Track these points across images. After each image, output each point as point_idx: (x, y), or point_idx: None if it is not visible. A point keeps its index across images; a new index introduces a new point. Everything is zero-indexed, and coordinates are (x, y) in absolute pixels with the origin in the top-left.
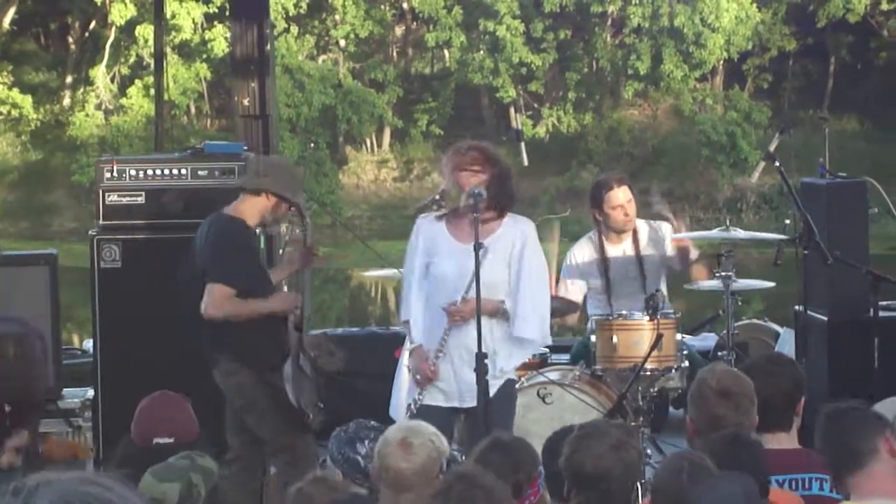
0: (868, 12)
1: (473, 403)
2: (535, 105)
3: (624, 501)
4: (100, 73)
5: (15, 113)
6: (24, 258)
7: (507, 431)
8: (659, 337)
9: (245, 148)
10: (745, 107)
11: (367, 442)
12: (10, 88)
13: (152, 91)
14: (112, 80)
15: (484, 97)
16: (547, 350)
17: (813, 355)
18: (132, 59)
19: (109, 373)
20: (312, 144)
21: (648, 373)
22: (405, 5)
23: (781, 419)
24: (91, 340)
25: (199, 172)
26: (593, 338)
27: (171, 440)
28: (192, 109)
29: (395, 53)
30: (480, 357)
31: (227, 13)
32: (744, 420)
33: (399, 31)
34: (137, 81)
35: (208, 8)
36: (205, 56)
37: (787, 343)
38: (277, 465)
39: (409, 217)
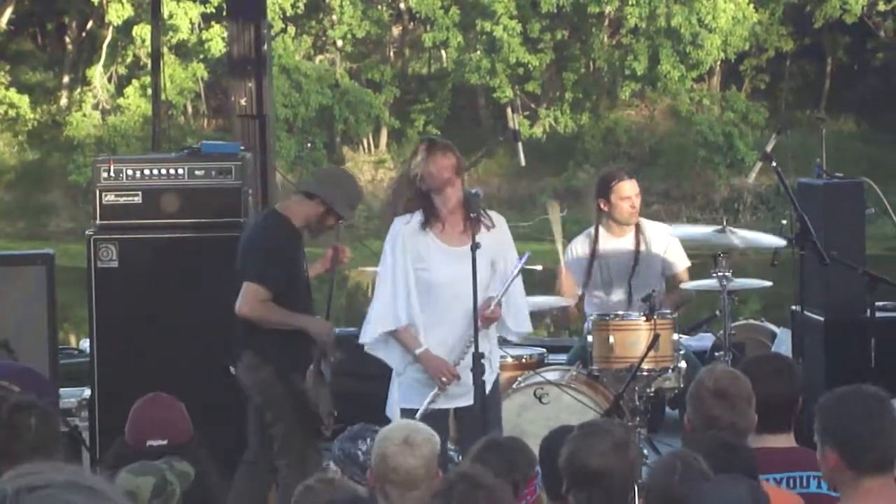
0: (865, 13)
1: (466, 403)
2: (532, 105)
3: (624, 500)
4: (97, 72)
5: (12, 113)
6: (21, 258)
7: (500, 428)
8: (656, 337)
9: (242, 148)
10: (742, 107)
11: (368, 440)
12: (6, 88)
13: (149, 91)
14: (109, 80)
15: (481, 97)
16: (544, 350)
17: (809, 355)
18: (129, 59)
19: (106, 372)
20: (309, 144)
21: (645, 373)
22: (402, 6)
23: (781, 420)
24: (88, 340)
25: (196, 172)
26: (590, 338)
27: (165, 442)
28: (189, 109)
29: (392, 54)
30: (477, 357)
31: (224, 13)
32: (739, 421)
33: (396, 31)
34: (134, 81)
35: (205, 8)
36: (202, 56)
37: (783, 343)
38: (281, 465)
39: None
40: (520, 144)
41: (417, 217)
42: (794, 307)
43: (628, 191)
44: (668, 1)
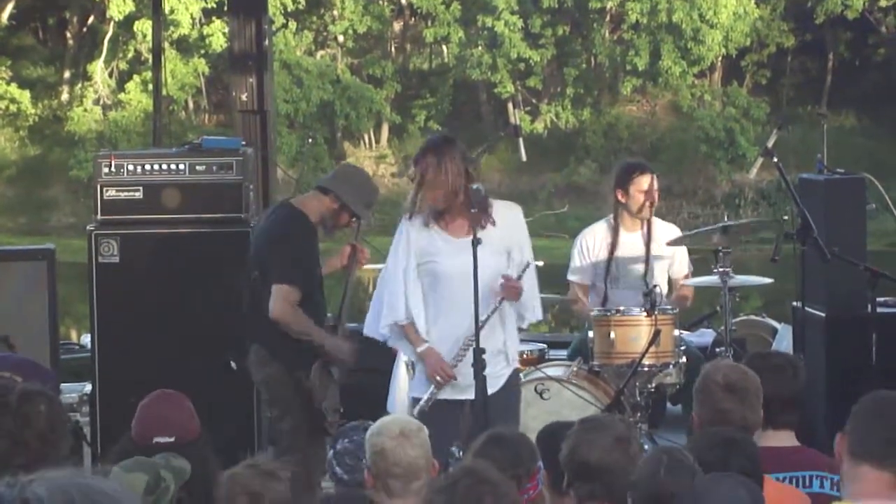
0: (866, 8)
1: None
2: (534, 101)
3: (625, 495)
4: (98, 68)
5: (13, 108)
6: (22, 253)
7: (517, 421)
8: (657, 333)
9: (243, 143)
10: (743, 103)
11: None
12: (8, 83)
13: (150, 86)
14: (110, 76)
15: (482, 93)
16: (545, 346)
17: (811, 352)
18: (130, 55)
19: (107, 368)
20: (310, 140)
21: (646, 368)
22: (403, 1)
23: (786, 417)
24: (89, 335)
25: (197, 167)
26: (591, 333)
27: (172, 439)
28: (191, 105)
29: (393, 49)
30: (478, 352)
31: (226, 8)
32: (749, 415)
33: (397, 26)
34: (135, 76)
35: (206, 3)
36: (203, 51)
37: (784, 339)
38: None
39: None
40: (521, 140)
41: (423, 214)
42: (795, 303)
43: (647, 185)
44: None
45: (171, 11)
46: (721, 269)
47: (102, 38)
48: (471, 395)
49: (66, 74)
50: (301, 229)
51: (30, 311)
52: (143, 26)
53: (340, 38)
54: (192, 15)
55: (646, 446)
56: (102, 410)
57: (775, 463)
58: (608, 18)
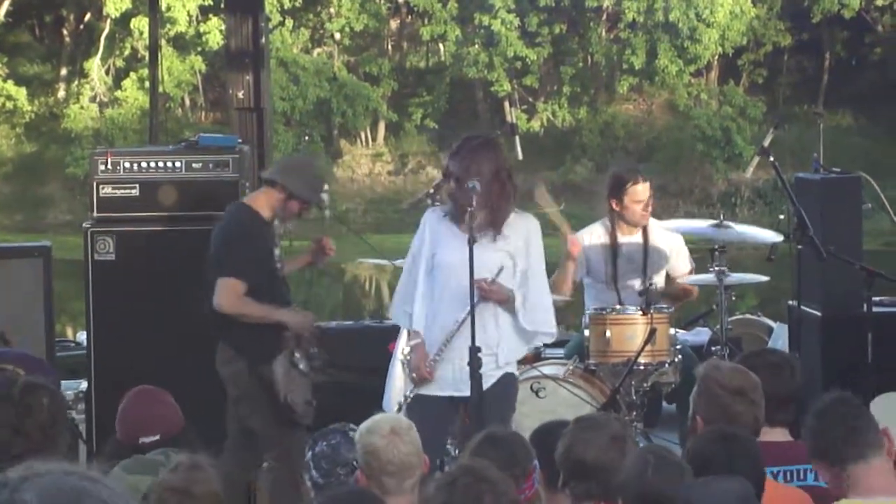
0: (863, 8)
1: (463, 394)
2: (530, 99)
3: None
4: (94, 65)
5: (9, 105)
6: (18, 250)
7: (504, 425)
8: (652, 331)
9: (240, 141)
10: (739, 102)
11: (339, 436)
12: (4, 80)
13: (147, 83)
14: (107, 73)
15: (479, 91)
16: (541, 344)
17: (806, 350)
18: (127, 52)
19: (103, 365)
20: (307, 137)
21: (642, 367)
22: None
23: (781, 416)
24: (85, 332)
25: (194, 165)
26: (587, 332)
27: (157, 437)
28: (187, 102)
29: (389, 47)
30: (474, 351)
31: (222, 6)
32: (759, 414)
33: (394, 24)
34: (132, 74)
35: (203, 0)
36: (200, 49)
37: (780, 338)
38: (268, 458)
39: (403, 210)
40: (517, 138)
41: (446, 207)
42: (790, 302)
43: (642, 195)
44: None
45: (168, 9)
46: (717, 268)
47: (99, 36)
48: (452, 392)
49: (63, 71)
50: (249, 225)
51: (26, 308)
52: (140, 23)
53: (337, 36)
54: (188, 12)
55: (641, 445)
56: (98, 407)
57: (770, 457)
58: (605, 17)
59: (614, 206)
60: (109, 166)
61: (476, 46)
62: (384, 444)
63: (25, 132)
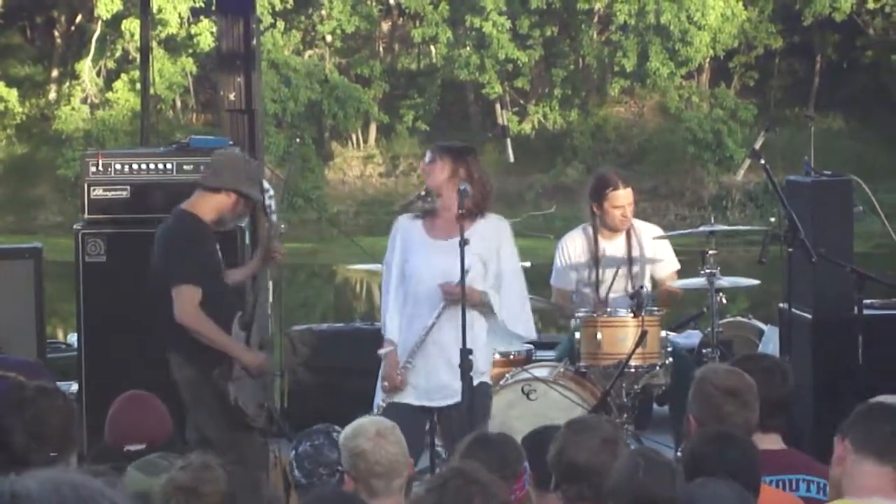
0: (854, 11)
1: (444, 402)
2: (521, 101)
3: None
4: (86, 66)
5: (0, 106)
6: (9, 252)
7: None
8: (643, 334)
9: (231, 143)
10: (731, 104)
11: (306, 444)
12: None
13: (138, 85)
14: (98, 74)
15: (470, 93)
16: (532, 347)
17: (797, 353)
18: (118, 54)
19: (94, 367)
20: (298, 139)
21: (633, 369)
22: (391, 1)
23: (774, 421)
24: (75, 334)
25: (185, 167)
26: (578, 334)
27: (143, 446)
28: (178, 104)
29: (381, 49)
30: (465, 353)
31: (213, 8)
32: (751, 416)
33: (385, 26)
34: (123, 75)
35: (194, 2)
36: (191, 50)
37: (771, 341)
38: (225, 463)
39: (395, 212)
40: (508, 140)
41: (419, 211)
42: (781, 305)
43: (622, 200)
44: None
45: (159, 10)
46: (708, 271)
47: (90, 37)
48: (425, 401)
49: (54, 73)
50: (191, 231)
51: (16, 309)
52: (131, 25)
53: (328, 38)
54: (179, 14)
55: (632, 447)
56: (89, 410)
57: (763, 466)
58: (596, 19)
59: (595, 209)
60: (101, 168)
61: (467, 48)
62: (371, 447)
63: (16, 134)
